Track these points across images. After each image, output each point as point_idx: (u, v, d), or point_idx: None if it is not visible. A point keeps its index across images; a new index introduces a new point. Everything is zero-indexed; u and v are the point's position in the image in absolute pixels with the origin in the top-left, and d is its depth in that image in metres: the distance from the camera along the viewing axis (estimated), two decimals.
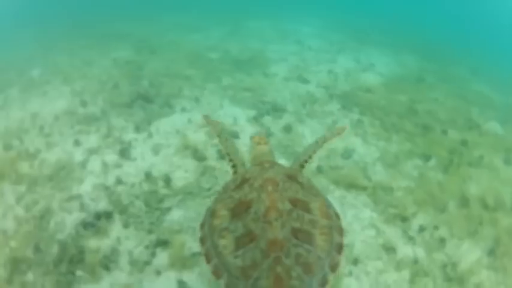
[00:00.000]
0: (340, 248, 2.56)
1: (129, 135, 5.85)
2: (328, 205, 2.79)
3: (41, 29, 11.77)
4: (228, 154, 3.39)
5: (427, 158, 5.68)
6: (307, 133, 5.86)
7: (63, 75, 8.15)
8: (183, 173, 5.03)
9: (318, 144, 3.54)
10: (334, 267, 2.44)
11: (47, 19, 12.29)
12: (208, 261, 2.57)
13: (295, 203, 2.61)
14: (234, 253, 2.46)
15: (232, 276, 2.43)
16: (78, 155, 5.44)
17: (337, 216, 2.77)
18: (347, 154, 5.38)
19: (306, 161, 3.36)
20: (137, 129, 5.96)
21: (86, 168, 5.20)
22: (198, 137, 5.68)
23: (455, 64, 11.12)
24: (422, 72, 9.85)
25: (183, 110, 6.48)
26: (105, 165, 5.22)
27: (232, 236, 2.54)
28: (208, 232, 2.69)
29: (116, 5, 13.43)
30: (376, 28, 13.18)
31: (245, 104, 6.63)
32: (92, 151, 5.52)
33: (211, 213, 2.78)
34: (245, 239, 2.47)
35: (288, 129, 5.87)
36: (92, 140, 5.83)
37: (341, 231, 2.66)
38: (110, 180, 4.91)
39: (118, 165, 5.26)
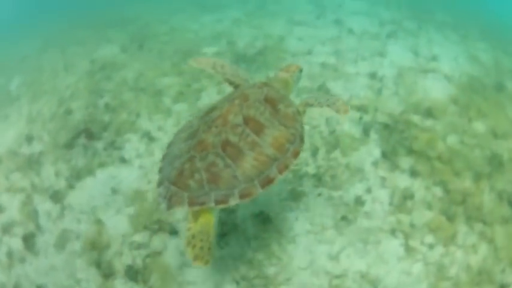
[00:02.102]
0: (267, 182, 2.24)
1: (45, 206, 3.86)
2: (291, 140, 2.41)
3: (49, 17, 9.76)
4: (226, 80, 2.90)
5: None
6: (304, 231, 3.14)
7: (36, 88, 6.26)
8: None
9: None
10: (244, 195, 2.17)
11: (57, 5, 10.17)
12: (167, 147, 2.62)
13: (248, 121, 2.36)
14: (180, 144, 2.44)
15: (169, 160, 2.41)
16: None
17: (294, 155, 2.38)
18: None
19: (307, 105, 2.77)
20: (55, 196, 3.86)
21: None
22: (118, 225, 3.48)
23: None
24: (500, 71, 6.12)
25: (122, 160, 4.22)
26: (9, 255, 3.60)
27: (189, 131, 2.49)
28: (185, 126, 2.69)
29: None
30: (440, 3, 8.84)
31: None
32: (6, 228, 3.85)
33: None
34: (192, 135, 2.41)
35: (265, 221, 3.21)
36: (14, 205, 4.09)
37: (283, 169, 2.31)
38: (10, 285, 3.40)
39: (21, 260, 3.58)
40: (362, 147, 3.92)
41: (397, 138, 4.07)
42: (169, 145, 2.61)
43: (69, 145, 4.58)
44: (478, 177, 3.76)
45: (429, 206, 3.33)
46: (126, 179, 4.08)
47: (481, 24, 8.04)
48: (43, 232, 3.66)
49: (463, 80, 5.62)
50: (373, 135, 4.11)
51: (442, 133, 4.29)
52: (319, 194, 3.46)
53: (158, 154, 4.28)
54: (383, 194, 3.43)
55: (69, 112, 5.23)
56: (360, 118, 4.29)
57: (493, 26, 8.39)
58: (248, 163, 2.22)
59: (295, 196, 3.46)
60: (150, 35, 7.11)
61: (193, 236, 2.17)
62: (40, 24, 9.43)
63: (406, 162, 3.77)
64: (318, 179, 3.59)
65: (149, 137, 4.49)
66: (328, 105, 2.68)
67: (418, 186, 3.55)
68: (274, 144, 2.33)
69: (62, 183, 4.16)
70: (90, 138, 4.67)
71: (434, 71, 5.61)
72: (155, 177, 4.20)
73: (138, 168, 4.17)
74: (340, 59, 5.75)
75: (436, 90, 5.10)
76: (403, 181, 3.58)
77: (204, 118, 2.48)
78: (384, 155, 3.84)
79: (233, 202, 2.14)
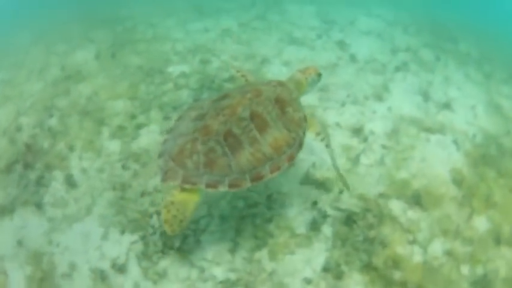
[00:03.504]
0: (257, 178, 2.25)
1: None
2: (291, 144, 2.39)
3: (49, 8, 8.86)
4: (243, 76, 3.07)
5: None
6: None
7: (8, 89, 5.52)
8: None
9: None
10: (233, 185, 2.20)
11: None
12: (176, 120, 2.58)
13: (254, 117, 2.35)
14: (188, 122, 2.42)
15: (174, 135, 2.41)
16: None
17: (289, 159, 2.37)
18: None
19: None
20: None
21: None
22: (18, 282, 2.93)
23: None
24: None
25: (38, 206, 3.47)
26: None
27: (199, 112, 2.47)
28: (196, 105, 2.69)
29: None
30: (466, 31, 6.94)
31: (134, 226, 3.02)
32: None
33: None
34: (200, 117, 2.40)
35: None
36: None
37: (275, 170, 2.30)
38: None
39: None
40: (301, 251, 2.71)
41: (357, 241, 2.80)
42: (178, 119, 2.59)
43: (9, 170, 3.87)
44: None
45: None
46: (33, 232, 3.25)
47: (510, 62, 6.20)
48: None
49: (477, 141, 4.14)
50: (326, 231, 2.86)
51: (425, 236, 2.96)
52: None
53: (72, 207, 3.38)
54: None
55: (18, 129, 4.43)
56: (314, 203, 3.03)
57: None
58: (244, 156, 2.24)
59: None
60: (130, 41, 6.06)
61: (172, 203, 2.20)
62: (39, 15, 8.64)
63: (354, 285, 2.54)
64: None
65: (70, 183, 3.57)
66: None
67: None
68: (273, 144, 2.33)
69: None
70: (25, 168, 3.96)
71: (441, 129, 4.12)
72: (57, 238, 3.37)
73: (47, 221, 3.31)
74: (325, 99, 4.40)
75: (437, 162, 3.66)
76: None
77: (215, 103, 2.47)
78: (327, 268, 2.61)
79: (222, 189, 2.18)
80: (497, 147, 4.22)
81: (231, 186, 2.18)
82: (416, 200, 3.23)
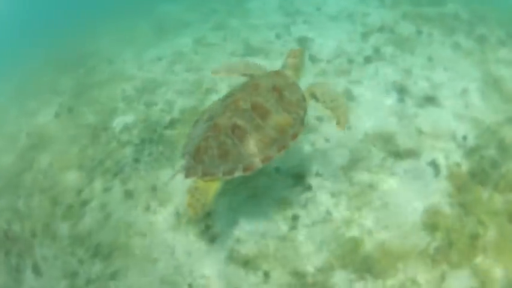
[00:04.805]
0: (267, 159, 2.51)
1: None
2: (292, 124, 2.66)
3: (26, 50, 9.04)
4: (246, 75, 3.14)
5: None
6: None
7: None
8: None
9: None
10: (247, 169, 2.46)
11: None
12: (193, 125, 2.89)
13: (255, 106, 2.61)
14: (202, 124, 2.76)
15: (192, 137, 2.74)
16: None
17: (293, 137, 2.64)
18: None
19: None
20: None
21: None
22: None
23: None
24: None
25: None
26: None
27: (210, 113, 2.79)
28: (209, 107, 2.97)
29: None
30: None
31: None
32: None
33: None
34: (210, 117, 2.70)
35: None
36: None
37: (281, 149, 2.57)
38: None
39: None
40: None
41: None
42: (195, 123, 2.90)
43: None
44: None
45: None
46: None
47: (507, 16, 4.81)
48: None
49: (469, 145, 3.42)
50: None
51: None
52: None
53: None
54: None
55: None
56: None
57: None
58: (252, 143, 2.51)
59: None
60: (88, 86, 5.95)
61: (196, 188, 2.52)
62: (16, 63, 8.87)
63: None
64: None
65: (36, 271, 3.76)
66: (330, 108, 2.79)
67: None
68: (276, 127, 2.58)
69: None
70: (6, 255, 4.26)
71: (416, 147, 3.38)
72: None
73: None
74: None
75: (404, 203, 3.01)
76: None
77: (222, 103, 2.77)
78: None
79: (237, 174, 2.45)
80: (498, 145, 3.42)
81: (245, 170, 2.44)
82: (368, 267, 2.71)
